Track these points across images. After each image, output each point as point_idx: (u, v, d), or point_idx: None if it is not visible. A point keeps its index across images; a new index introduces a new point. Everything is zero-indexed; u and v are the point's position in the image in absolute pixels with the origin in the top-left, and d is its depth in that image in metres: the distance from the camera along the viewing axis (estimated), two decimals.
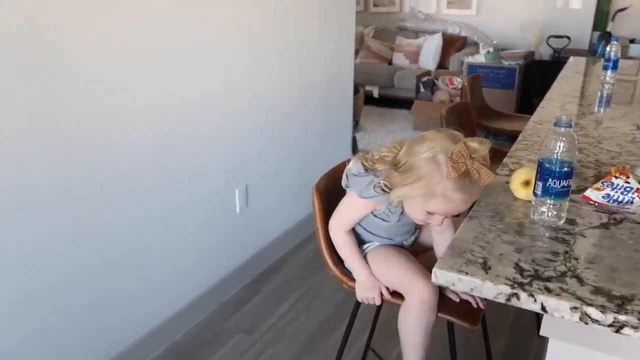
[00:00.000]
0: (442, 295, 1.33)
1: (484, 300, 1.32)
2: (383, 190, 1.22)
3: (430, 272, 1.30)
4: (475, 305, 1.32)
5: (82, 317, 1.70)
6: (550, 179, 1.01)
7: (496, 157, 2.31)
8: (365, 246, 1.42)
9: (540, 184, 1.04)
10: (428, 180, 1.14)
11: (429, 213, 1.20)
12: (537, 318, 2.14)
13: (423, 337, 1.31)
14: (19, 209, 1.45)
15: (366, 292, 1.37)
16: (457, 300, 1.33)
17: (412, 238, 1.47)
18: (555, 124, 1.01)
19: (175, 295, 2.07)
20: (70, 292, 1.64)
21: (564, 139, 1.01)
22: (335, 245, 1.41)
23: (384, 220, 1.34)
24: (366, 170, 1.25)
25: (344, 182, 1.34)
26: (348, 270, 1.44)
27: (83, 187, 1.62)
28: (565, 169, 1.00)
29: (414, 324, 1.31)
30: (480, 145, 1.10)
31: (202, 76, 2.02)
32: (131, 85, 1.72)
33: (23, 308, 1.52)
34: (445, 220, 1.31)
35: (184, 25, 1.90)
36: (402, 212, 1.30)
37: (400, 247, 1.44)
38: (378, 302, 1.37)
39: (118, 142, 1.71)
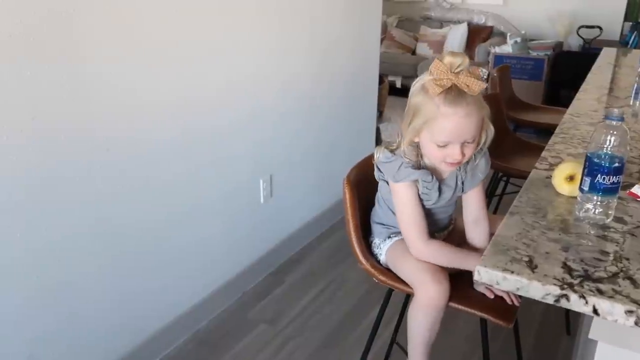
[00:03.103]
0: (474, 290, 1.29)
1: (519, 297, 1.28)
2: (413, 167, 1.25)
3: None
4: (510, 302, 1.28)
5: (110, 305, 1.70)
6: (599, 175, 0.97)
7: (525, 149, 2.27)
8: (391, 237, 1.40)
9: (587, 179, 0.99)
10: (422, 108, 1.18)
11: (442, 147, 1.19)
12: (566, 317, 2.09)
13: (429, 333, 1.31)
14: (42, 207, 1.44)
15: None
16: (492, 296, 1.29)
17: (445, 232, 1.43)
18: (606, 117, 0.96)
19: (199, 284, 2.07)
20: (98, 282, 1.64)
21: (615, 133, 0.96)
22: (429, 260, 1.29)
23: (428, 200, 1.30)
24: (392, 152, 1.28)
25: (376, 175, 1.34)
26: (378, 263, 1.41)
27: (109, 181, 1.61)
28: (616, 164, 0.96)
29: (421, 321, 1.30)
30: (454, 58, 1.13)
31: (228, 68, 2.00)
32: (156, 80, 1.70)
33: (54, 297, 1.52)
34: (480, 210, 1.34)
35: (210, 15, 1.87)
36: (441, 188, 1.29)
37: None
38: None
39: (142, 136, 1.69)
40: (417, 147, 1.26)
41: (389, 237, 1.40)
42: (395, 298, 1.49)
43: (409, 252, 1.32)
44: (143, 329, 1.85)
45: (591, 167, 0.98)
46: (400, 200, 1.29)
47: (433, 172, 1.28)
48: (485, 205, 1.37)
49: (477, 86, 1.13)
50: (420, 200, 1.30)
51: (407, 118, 1.22)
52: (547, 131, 1.66)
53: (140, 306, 1.82)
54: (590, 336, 0.85)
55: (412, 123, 1.21)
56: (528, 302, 0.85)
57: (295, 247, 2.63)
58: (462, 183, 1.32)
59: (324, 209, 2.80)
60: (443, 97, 1.14)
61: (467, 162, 1.29)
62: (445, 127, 1.16)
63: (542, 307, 2.14)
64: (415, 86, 1.22)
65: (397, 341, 1.82)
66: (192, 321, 2.05)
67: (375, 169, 1.33)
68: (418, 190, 1.28)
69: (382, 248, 1.41)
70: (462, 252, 1.32)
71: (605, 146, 0.96)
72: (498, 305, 1.27)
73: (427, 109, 1.17)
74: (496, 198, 2.59)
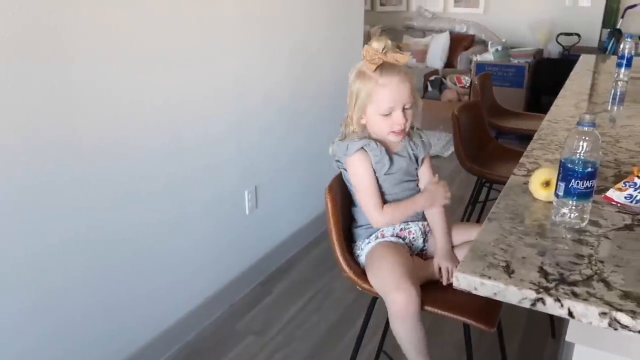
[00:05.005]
0: (456, 295, 1.31)
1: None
2: (358, 140, 1.39)
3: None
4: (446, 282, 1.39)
5: (96, 317, 1.69)
6: (572, 180, 0.99)
7: (507, 155, 2.30)
8: (370, 239, 1.45)
9: (562, 184, 1.01)
10: (363, 87, 1.35)
11: (386, 116, 1.35)
12: (550, 321, 2.11)
13: (415, 340, 1.34)
14: (34, 213, 1.45)
15: (441, 199, 1.44)
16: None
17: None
18: (579, 123, 0.99)
19: (186, 296, 2.06)
20: (84, 294, 1.63)
21: (587, 138, 0.98)
22: (390, 223, 1.44)
23: (382, 168, 1.40)
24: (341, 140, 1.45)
25: (335, 166, 1.47)
26: (362, 271, 1.42)
27: (95, 190, 1.61)
28: (589, 169, 0.98)
29: (401, 331, 1.33)
30: (379, 42, 1.31)
31: (211, 78, 2.01)
32: (141, 88, 1.71)
33: (40, 308, 1.51)
34: (427, 180, 1.49)
35: (193, 26, 1.88)
36: (392, 157, 1.41)
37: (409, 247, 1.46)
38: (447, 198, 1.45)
39: (128, 145, 1.70)
40: (364, 128, 1.42)
41: (368, 237, 1.45)
42: (381, 306, 1.50)
43: (385, 256, 1.37)
44: (132, 340, 1.84)
45: (565, 173, 1.00)
46: (355, 174, 1.41)
47: (382, 144, 1.41)
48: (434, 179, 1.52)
49: (404, 58, 1.32)
50: (378, 178, 1.41)
51: (352, 102, 1.39)
52: (529, 137, 1.69)
53: (128, 317, 1.81)
54: (567, 339, 0.86)
55: (357, 103, 1.38)
56: (513, 306, 0.87)
57: (283, 257, 2.64)
58: (414, 153, 1.47)
59: (311, 219, 2.81)
60: (379, 72, 1.33)
61: (413, 137, 1.47)
62: (386, 95, 1.34)
63: (527, 311, 2.15)
64: (351, 76, 1.40)
65: (385, 349, 1.82)
66: (180, 333, 2.04)
67: (334, 162, 1.47)
68: (371, 162, 1.39)
69: (364, 249, 1.44)
70: (410, 201, 1.44)
71: (578, 152, 0.99)
72: (480, 309, 1.29)
73: (368, 86, 1.35)
74: (480, 205, 2.62)
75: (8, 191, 1.37)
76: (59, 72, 1.44)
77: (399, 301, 1.27)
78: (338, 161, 1.45)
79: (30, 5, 1.34)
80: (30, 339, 1.50)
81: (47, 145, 1.44)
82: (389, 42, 1.32)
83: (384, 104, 1.34)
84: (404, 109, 1.36)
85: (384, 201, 1.42)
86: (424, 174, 1.51)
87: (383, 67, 1.32)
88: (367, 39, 6.23)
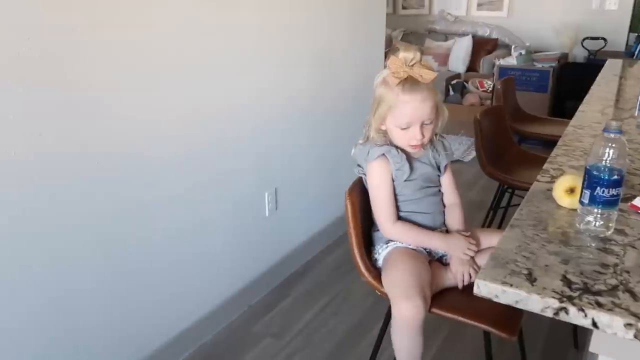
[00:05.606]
0: (478, 302, 1.29)
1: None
2: (380, 146, 1.39)
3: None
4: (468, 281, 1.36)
5: (114, 320, 1.71)
6: (598, 187, 0.97)
7: (530, 161, 2.27)
8: (391, 243, 1.43)
9: (587, 192, 0.99)
10: (384, 97, 1.35)
11: (405, 130, 1.35)
12: (573, 330, 2.07)
13: (411, 349, 1.32)
14: (52, 220, 1.46)
15: (458, 251, 1.39)
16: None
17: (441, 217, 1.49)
18: (605, 130, 0.97)
19: (204, 298, 2.07)
20: (102, 297, 1.65)
21: (613, 145, 0.96)
22: (398, 240, 1.42)
23: (403, 174, 1.39)
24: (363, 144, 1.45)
25: (356, 171, 1.46)
26: (381, 275, 1.41)
27: (116, 196, 1.63)
28: (615, 177, 0.96)
29: (395, 338, 1.33)
30: (407, 52, 1.29)
31: (233, 83, 2.02)
32: (162, 93, 1.72)
33: (58, 312, 1.53)
34: (452, 194, 1.48)
35: (215, 32, 1.90)
36: (412, 164, 1.40)
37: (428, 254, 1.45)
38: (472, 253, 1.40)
39: (149, 150, 1.71)
40: (385, 133, 1.41)
41: (387, 242, 1.44)
42: None
43: (401, 261, 1.36)
44: (148, 344, 1.86)
45: (590, 180, 0.98)
46: (374, 181, 1.40)
47: (402, 150, 1.41)
48: (456, 191, 1.52)
49: (429, 75, 1.29)
50: (397, 180, 1.40)
51: (373, 108, 1.39)
52: (553, 143, 1.66)
53: (145, 321, 1.83)
54: (591, 349, 0.85)
55: (377, 111, 1.38)
56: (534, 315, 0.85)
57: (301, 260, 2.64)
58: (436, 161, 1.47)
59: (329, 222, 2.81)
60: (401, 87, 1.31)
61: (436, 145, 1.46)
62: (405, 112, 1.33)
63: (549, 319, 2.11)
64: (377, 80, 1.39)
65: None
66: (197, 335, 2.05)
67: (355, 168, 1.46)
68: (391, 171, 1.38)
69: (381, 253, 1.44)
70: (427, 232, 1.42)
71: (604, 159, 0.97)
72: (501, 317, 1.27)
73: (389, 98, 1.34)
74: (501, 211, 2.59)
75: (20, 202, 1.38)
76: (72, 81, 1.44)
77: (405, 311, 1.26)
78: (359, 166, 1.45)
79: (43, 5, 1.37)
80: (43, 344, 1.51)
81: (61, 156, 1.45)
82: (418, 54, 1.30)
83: (402, 119, 1.34)
84: (422, 124, 1.35)
85: (399, 210, 1.42)
86: (446, 186, 1.51)
87: (406, 83, 1.31)
88: (389, 42, 6.18)
